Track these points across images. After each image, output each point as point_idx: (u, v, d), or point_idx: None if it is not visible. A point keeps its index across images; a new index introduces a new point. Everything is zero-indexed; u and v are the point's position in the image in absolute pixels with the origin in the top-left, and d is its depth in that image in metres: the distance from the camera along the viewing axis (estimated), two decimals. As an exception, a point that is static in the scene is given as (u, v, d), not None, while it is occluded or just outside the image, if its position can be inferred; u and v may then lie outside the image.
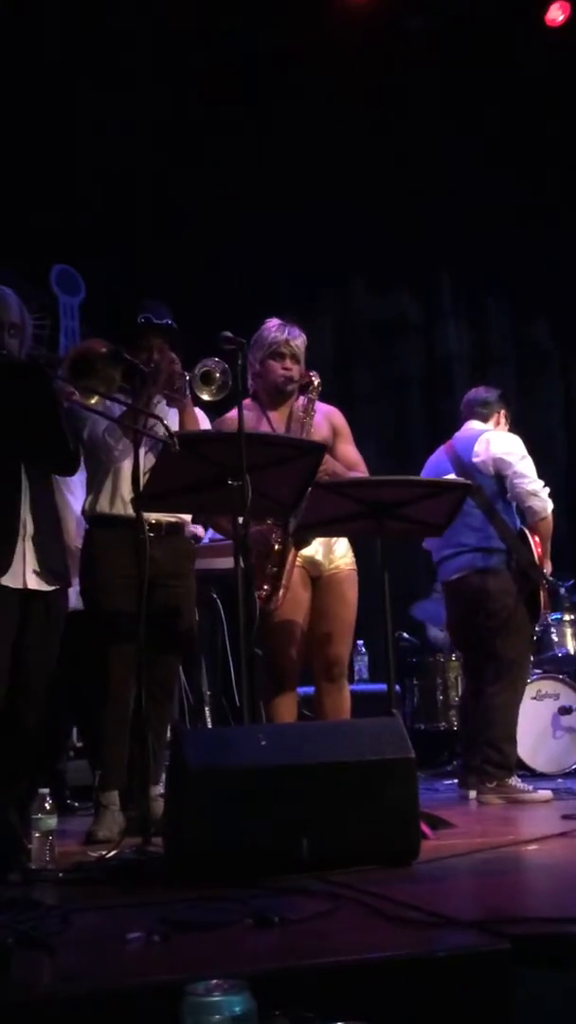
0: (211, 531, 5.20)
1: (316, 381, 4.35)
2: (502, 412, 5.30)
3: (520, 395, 8.47)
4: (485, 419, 5.24)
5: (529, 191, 8.36)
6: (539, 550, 4.96)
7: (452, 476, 4.91)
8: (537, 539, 4.97)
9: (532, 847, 3.38)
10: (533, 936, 2.05)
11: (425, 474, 5.22)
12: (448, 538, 4.80)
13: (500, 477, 4.99)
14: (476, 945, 2.02)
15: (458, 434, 5.25)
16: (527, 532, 4.98)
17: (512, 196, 8.39)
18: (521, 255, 8.43)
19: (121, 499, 4.06)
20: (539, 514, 4.94)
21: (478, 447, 5.04)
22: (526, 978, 1.98)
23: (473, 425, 5.23)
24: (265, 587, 4.10)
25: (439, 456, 5.26)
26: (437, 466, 5.19)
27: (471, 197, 8.31)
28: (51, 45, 6.92)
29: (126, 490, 4.02)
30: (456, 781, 5.29)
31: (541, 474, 5.03)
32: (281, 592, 4.11)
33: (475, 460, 5.01)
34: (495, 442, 5.05)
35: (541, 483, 4.97)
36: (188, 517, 4.26)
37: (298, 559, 4.20)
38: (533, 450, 5.08)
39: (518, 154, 8.29)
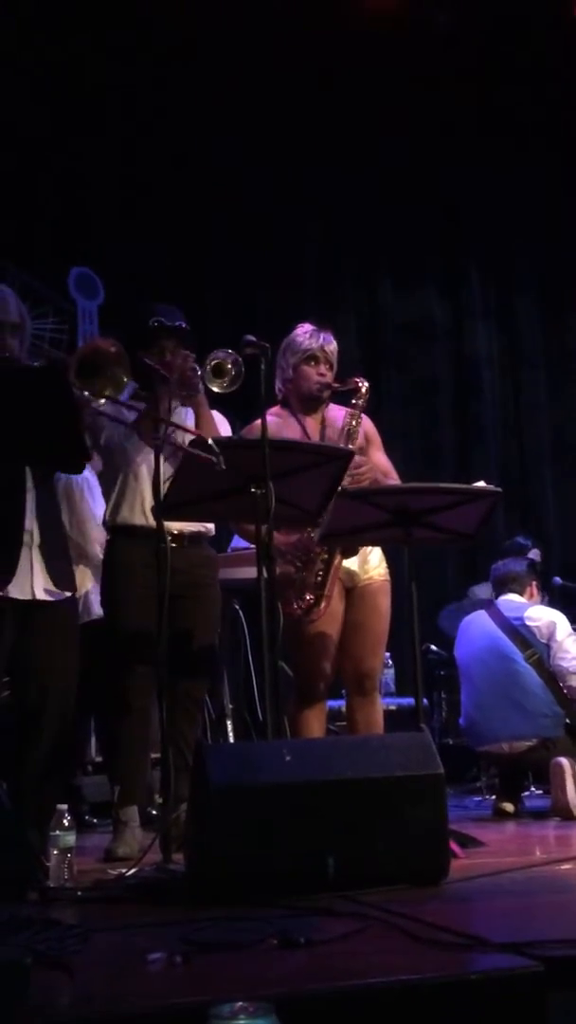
0: (234, 540, 5.14)
1: (364, 388, 4.24)
2: (535, 584, 5.35)
3: (551, 400, 8.41)
4: (521, 593, 5.28)
5: (559, 189, 8.31)
6: None
7: (504, 638, 5.01)
8: None
9: (565, 867, 3.29)
10: (568, 958, 1.98)
11: (469, 640, 5.27)
12: None
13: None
14: (509, 967, 1.96)
15: (500, 603, 5.25)
16: None
17: (542, 194, 8.35)
18: (552, 255, 8.38)
19: (143, 508, 3.98)
20: None
21: (531, 612, 5.08)
22: (560, 1001, 1.91)
23: (514, 598, 5.24)
24: (308, 597, 4.03)
25: (480, 619, 5.24)
26: (483, 632, 5.16)
27: (500, 195, 8.27)
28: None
29: (147, 500, 3.95)
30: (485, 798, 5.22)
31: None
32: (323, 604, 4.04)
33: (530, 624, 5.03)
34: (549, 612, 5.12)
35: None
36: (211, 526, 4.17)
37: None
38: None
39: (548, 151, 8.26)
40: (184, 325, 4.06)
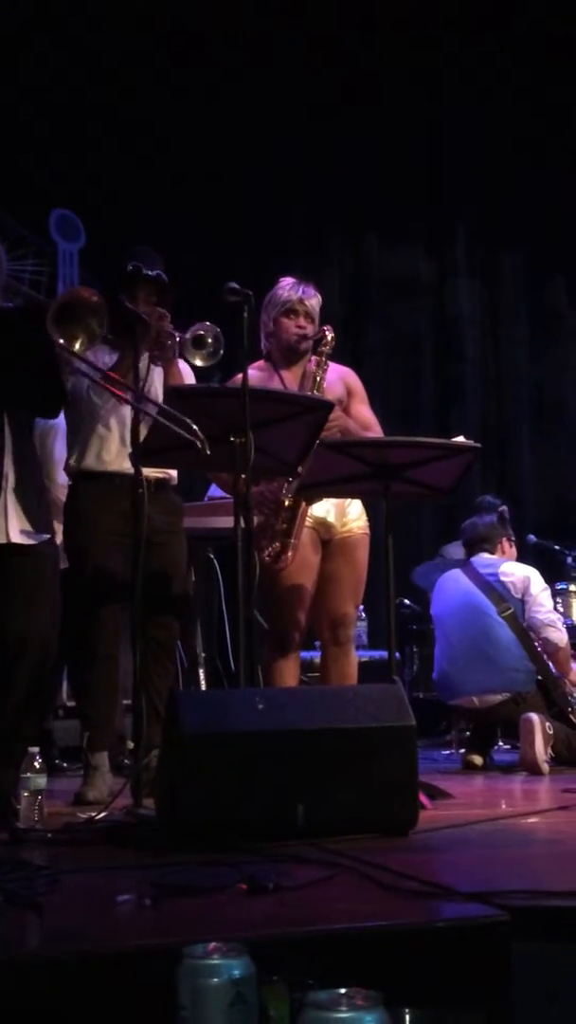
0: (211, 488, 5.13)
1: (329, 336, 4.25)
2: (506, 539, 5.37)
3: (532, 359, 8.39)
4: (493, 551, 5.31)
5: (551, 147, 8.25)
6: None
7: (479, 594, 5.03)
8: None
9: (532, 820, 3.34)
10: (532, 908, 2.01)
11: (445, 597, 5.29)
12: None
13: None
14: (475, 916, 1.98)
15: (475, 561, 5.28)
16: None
17: (532, 152, 8.28)
18: (538, 214, 8.33)
19: (108, 455, 3.96)
20: (556, 645, 5.01)
21: (506, 568, 5.12)
22: (524, 950, 1.94)
23: (487, 557, 5.27)
24: (275, 544, 4.03)
25: (456, 576, 5.27)
26: (459, 589, 5.19)
27: (489, 153, 8.20)
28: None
29: (113, 446, 3.94)
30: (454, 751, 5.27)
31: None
32: (290, 552, 4.04)
33: (505, 580, 5.07)
34: (523, 568, 5.18)
35: (557, 616, 5.06)
36: (175, 472, 4.15)
37: (308, 520, 4.12)
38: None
39: (540, 108, 8.18)
40: (162, 275, 3.98)
